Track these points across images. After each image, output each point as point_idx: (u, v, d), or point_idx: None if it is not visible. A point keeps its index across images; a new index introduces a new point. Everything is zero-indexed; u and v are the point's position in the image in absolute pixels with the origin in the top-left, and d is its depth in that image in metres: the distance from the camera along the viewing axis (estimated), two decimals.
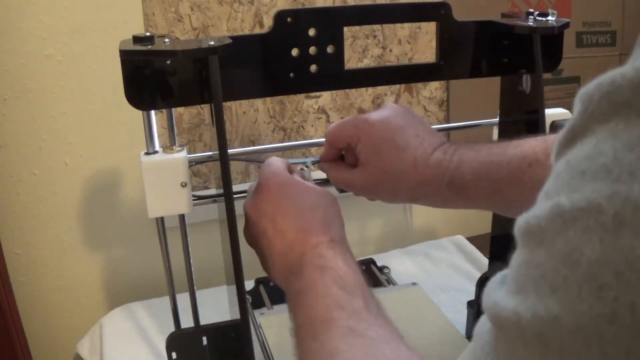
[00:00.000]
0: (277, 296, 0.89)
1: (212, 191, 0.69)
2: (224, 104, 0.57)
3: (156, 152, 0.62)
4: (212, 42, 0.56)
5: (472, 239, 1.17)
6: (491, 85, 0.76)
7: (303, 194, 0.54)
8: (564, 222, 0.24)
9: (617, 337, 0.22)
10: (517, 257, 0.27)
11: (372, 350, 0.40)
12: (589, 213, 0.23)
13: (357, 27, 1.07)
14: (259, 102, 1.07)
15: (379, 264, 0.99)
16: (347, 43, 1.07)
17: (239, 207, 0.58)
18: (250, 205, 0.56)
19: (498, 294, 0.27)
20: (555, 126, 0.74)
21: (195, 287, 0.68)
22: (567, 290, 0.23)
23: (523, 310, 0.25)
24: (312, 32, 0.63)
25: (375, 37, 1.11)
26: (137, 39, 0.56)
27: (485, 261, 1.04)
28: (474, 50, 0.70)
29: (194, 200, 0.63)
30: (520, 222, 0.26)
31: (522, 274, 0.26)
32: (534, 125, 0.71)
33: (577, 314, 0.23)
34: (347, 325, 0.42)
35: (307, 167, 0.64)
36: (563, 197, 0.24)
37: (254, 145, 1.08)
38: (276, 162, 0.58)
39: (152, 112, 0.61)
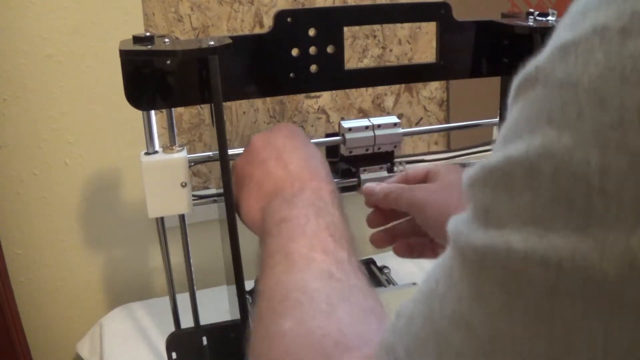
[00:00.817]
0: None
1: (212, 191, 0.69)
2: (224, 104, 0.57)
3: (156, 152, 0.62)
4: (212, 42, 0.56)
5: None
6: (491, 85, 0.76)
7: (314, 147, 0.56)
8: (564, 52, 0.22)
9: (622, 145, 0.19)
10: (507, 120, 0.24)
11: (347, 295, 0.39)
12: (592, 35, 0.21)
13: (357, 27, 1.07)
14: (259, 102, 1.07)
15: (379, 264, 0.99)
16: (347, 43, 1.07)
17: None
18: (259, 136, 0.56)
19: (484, 162, 0.25)
20: None
21: (195, 287, 0.68)
22: (565, 113, 0.21)
23: (513, 151, 0.22)
24: (312, 32, 0.63)
25: (375, 37, 1.11)
26: (137, 39, 0.56)
27: None
28: (474, 50, 0.70)
29: (194, 200, 0.63)
30: (517, 77, 0.24)
31: (512, 123, 0.24)
32: None
33: (576, 130, 0.20)
34: (327, 269, 0.41)
35: None
36: (565, 34, 0.22)
37: None
38: None
39: (152, 112, 0.61)
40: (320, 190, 0.50)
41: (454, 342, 0.24)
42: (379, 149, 0.69)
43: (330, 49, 0.65)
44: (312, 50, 0.64)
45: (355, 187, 0.73)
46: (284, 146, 0.54)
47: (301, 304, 0.39)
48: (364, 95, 1.13)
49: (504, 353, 0.23)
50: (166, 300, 0.69)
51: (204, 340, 0.64)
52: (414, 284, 0.91)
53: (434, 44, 0.70)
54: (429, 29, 1.13)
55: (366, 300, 0.39)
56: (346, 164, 0.71)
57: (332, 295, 0.39)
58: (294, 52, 0.64)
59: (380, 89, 1.14)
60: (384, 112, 1.16)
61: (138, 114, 0.60)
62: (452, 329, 0.24)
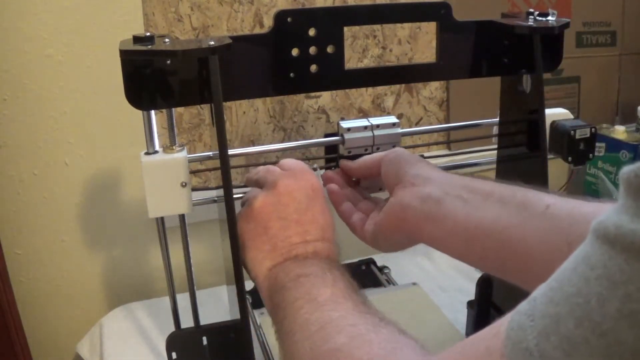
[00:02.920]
0: None
1: (213, 191, 0.69)
2: (224, 104, 0.57)
3: (156, 152, 0.62)
4: (212, 42, 0.56)
5: None
6: (491, 85, 0.76)
7: (325, 201, 0.58)
8: None
9: None
10: None
11: (383, 324, 0.41)
12: None
13: (357, 27, 1.07)
14: (259, 102, 1.07)
15: (379, 264, 0.99)
16: (347, 43, 1.07)
17: (238, 207, 0.58)
18: (287, 182, 0.56)
19: None
20: (555, 126, 0.74)
21: (195, 287, 0.68)
22: None
23: None
24: (312, 32, 0.63)
25: (375, 37, 1.11)
26: (137, 39, 0.56)
27: None
28: (474, 50, 0.70)
29: (193, 200, 0.63)
30: None
31: None
32: (534, 125, 0.71)
33: None
34: (353, 307, 0.44)
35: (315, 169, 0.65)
36: None
37: (254, 145, 1.08)
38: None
39: (152, 112, 0.61)
40: (330, 252, 0.54)
41: (627, 340, 0.24)
42: (377, 149, 0.69)
43: (330, 49, 0.65)
44: (312, 50, 0.64)
45: None
46: (306, 208, 0.55)
47: (344, 327, 0.41)
48: (364, 95, 1.13)
49: None
50: (166, 300, 0.69)
51: (204, 340, 0.64)
52: (414, 284, 0.91)
53: (434, 44, 0.70)
54: (429, 29, 1.13)
55: (399, 329, 0.42)
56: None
57: (370, 322, 0.42)
58: (294, 52, 0.64)
59: (380, 89, 1.14)
60: (384, 112, 1.16)
61: (138, 114, 0.60)
62: (623, 328, 0.24)
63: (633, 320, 0.24)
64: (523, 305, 0.29)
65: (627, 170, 0.26)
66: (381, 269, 0.98)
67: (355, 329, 0.41)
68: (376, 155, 0.63)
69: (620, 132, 1.20)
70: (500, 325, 0.30)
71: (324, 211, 0.56)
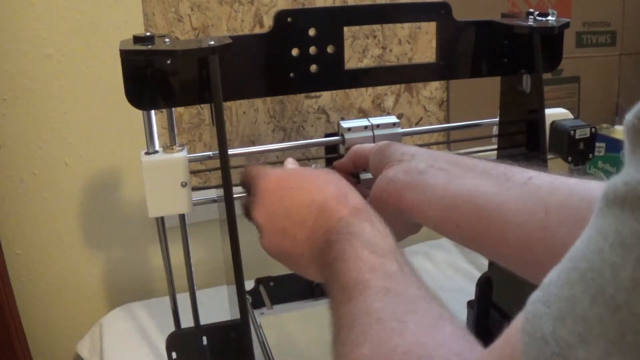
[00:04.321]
0: (277, 296, 0.89)
1: (212, 191, 0.69)
2: (224, 104, 0.57)
3: (156, 152, 0.62)
4: (212, 42, 0.56)
5: None
6: (491, 85, 0.76)
7: (303, 179, 0.53)
8: None
9: None
10: None
11: (413, 307, 0.38)
12: None
13: (357, 27, 1.07)
14: (259, 102, 1.07)
15: None
16: (347, 43, 1.07)
17: (238, 206, 0.58)
18: (258, 214, 0.53)
19: None
20: (555, 126, 0.74)
21: (195, 287, 0.68)
22: None
23: None
24: (312, 32, 0.63)
25: (375, 37, 1.11)
26: (137, 39, 0.56)
27: (485, 261, 1.04)
28: (474, 50, 0.70)
29: (193, 200, 0.63)
30: None
31: None
32: (534, 125, 0.71)
33: None
34: (383, 286, 0.41)
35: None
36: None
37: (254, 145, 1.08)
38: (262, 167, 0.57)
39: (152, 112, 0.61)
40: (341, 219, 0.48)
41: None
42: None
43: (330, 49, 0.65)
44: (312, 50, 0.64)
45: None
46: (285, 209, 0.51)
47: (370, 327, 0.39)
48: (364, 95, 1.13)
49: None
50: (166, 300, 0.69)
51: (204, 340, 0.64)
52: None
53: (434, 44, 0.70)
54: (429, 29, 1.13)
55: (431, 306, 0.39)
56: None
57: (397, 310, 0.39)
58: (294, 52, 0.64)
59: (380, 89, 1.14)
60: (384, 112, 1.16)
61: (138, 113, 0.60)
62: (636, 298, 0.21)
63: None
64: (537, 294, 0.26)
65: (630, 116, 0.23)
66: None
67: (383, 326, 0.38)
68: (366, 146, 0.61)
69: (620, 132, 1.20)
70: (517, 322, 0.27)
71: (299, 187, 0.52)
